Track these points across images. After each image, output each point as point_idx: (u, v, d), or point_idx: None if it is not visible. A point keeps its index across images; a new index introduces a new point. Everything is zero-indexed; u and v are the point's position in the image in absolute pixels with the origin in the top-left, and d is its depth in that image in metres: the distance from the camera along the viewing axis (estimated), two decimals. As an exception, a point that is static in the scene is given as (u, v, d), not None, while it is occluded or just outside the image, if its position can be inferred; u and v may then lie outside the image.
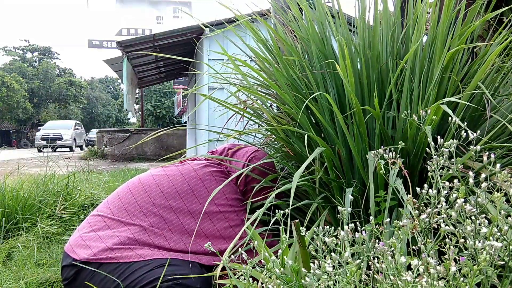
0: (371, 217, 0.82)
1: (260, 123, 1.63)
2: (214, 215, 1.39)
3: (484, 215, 0.68)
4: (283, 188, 1.14)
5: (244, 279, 0.83)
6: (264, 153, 1.61)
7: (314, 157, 1.24)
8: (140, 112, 14.98)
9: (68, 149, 20.30)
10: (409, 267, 0.66)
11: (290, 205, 0.93)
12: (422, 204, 0.74)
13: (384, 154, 0.91)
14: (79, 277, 1.29)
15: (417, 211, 0.72)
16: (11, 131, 37.13)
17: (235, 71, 1.61)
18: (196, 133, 9.01)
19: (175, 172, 1.46)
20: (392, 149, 0.93)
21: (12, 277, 1.74)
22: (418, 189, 0.76)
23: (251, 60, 1.65)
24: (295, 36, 1.55)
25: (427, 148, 1.09)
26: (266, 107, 1.60)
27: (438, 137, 0.82)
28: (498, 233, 0.65)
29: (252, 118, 1.65)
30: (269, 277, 0.81)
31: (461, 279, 0.61)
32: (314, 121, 1.42)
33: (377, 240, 0.71)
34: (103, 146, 10.92)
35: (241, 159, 1.56)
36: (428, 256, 0.64)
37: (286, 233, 0.92)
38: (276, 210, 0.93)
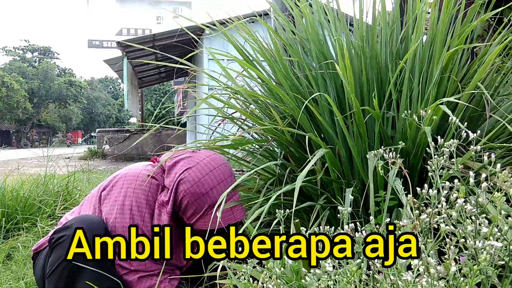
0: (371, 217, 0.82)
1: (254, 125, 1.52)
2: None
3: (484, 215, 0.68)
4: (284, 190, 1.14)
5: (244, 279, 0.83)
6: (203, 169, 1.27)
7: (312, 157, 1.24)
8: (140, 112, 15.00)
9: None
10: (409, 267, 0.66)
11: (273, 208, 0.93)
12: (422, 204, 0.74)
13: (384, 154, 0.91)
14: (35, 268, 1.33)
15: (417, 211, 0.72)
16: (11, 131, 37.16)
17: (234, 72, 1.61)
18: (196, 134, 9.01)
19: (118, 173, 1.35)
20: (392, 149, 0.93)
21: (12, 277, 1.74)
22: (418, 189, 0.76)
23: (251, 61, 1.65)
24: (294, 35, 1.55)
25: (427, 148, 1.10)
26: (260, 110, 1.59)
27: (438, 137, 0.82)
28: (498, 233, 0.65)
29: (246, 122, 1.61)
30: (269, 277, 0.81)
31: (461, 279, 0.61)
32: (313, 122, 1.42)
33: (377, 240, 0.71)
34: (103, 146, 10.92)
35: (171, 180, 1.28)
36: (428, 256, 0.64)
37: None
38: (277, 210, 0.93)
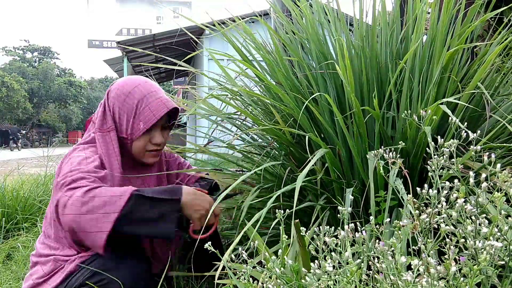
0: (371, 217, 0.82)
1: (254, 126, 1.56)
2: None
3: (484, 215, 0.68)
4: (284, 190, 1.14)
5: (244, 279, 0.83)
6: (125, 79, 1.28)
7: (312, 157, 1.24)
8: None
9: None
10: (409, 267, 0.66)
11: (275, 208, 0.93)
12: (422, 204, 0.74)
13: (384, 154, 0.91)
14: None
15: (417, 211, 0.72)
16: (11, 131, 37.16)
17: (235, 72, 1.61)
18: (196, 133, 9.00)
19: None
20: (392, 149, 0.93)
21: (12, 277, 1.74)
22: (418, 189, 0.76)
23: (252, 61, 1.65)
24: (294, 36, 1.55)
25: (427, 148, 1.09)
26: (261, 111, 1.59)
27: (438, 137, 0.82)
28: (498, 233, 0.65)
29: (246, 123, 1.61)
30: (269, 277, 0.81)
31: (461, 279, 0.61)
32: (313, 122, 1.42)
33: (377, 240, 0.71)
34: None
35: (100, 105, 1.28)
36: (428, 256, 0.64)
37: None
38: (277, 210, 0.93)
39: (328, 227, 0.81)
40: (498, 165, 0.70)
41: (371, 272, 0.71)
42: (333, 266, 0.71)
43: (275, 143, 1.49)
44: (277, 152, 1.55)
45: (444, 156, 0.76)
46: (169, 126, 1.31)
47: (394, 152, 0.91)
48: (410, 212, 0.75)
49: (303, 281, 0.74)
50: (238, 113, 1.66)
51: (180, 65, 1.60)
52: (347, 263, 0.72)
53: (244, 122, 1.65)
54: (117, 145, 1.23)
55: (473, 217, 0.66)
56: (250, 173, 1.25)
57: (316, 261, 0.73)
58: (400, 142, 0.99)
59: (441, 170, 0.77)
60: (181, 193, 1.12)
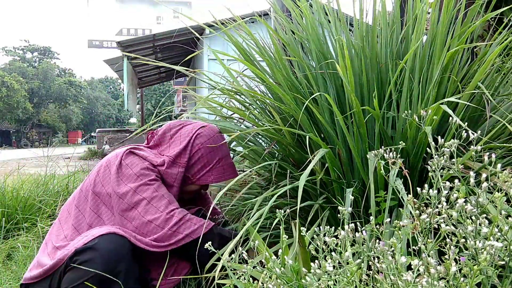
0: (371, 217, 0.82)
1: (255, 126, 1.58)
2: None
3: (484, 215, 0.68)
4: (285, 189, 1.14)
5: (244, 279, 0.83)
6: (214, 129, 1.47)
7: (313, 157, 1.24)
8: (140, 112, 14.99)
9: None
10: (409, 267, 0.66)
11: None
12: (423, 204, 0.74)
13: (384, 154, 0.91)
14: None
15: (417, 211, 0.72)
16: (11, 131, 37.17)
17: (235, 72, 1.61)
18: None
19: (99, 163, 1.40)
20: (392, 149, 0.93)
21: (12, 277, 1.74)
22: (418, 189, 0.76)
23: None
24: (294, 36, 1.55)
25: (427, 148, 1.10)
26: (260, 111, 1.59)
27: (439, 137, 0.82)
28: (499, 233, 0.65)
29: (246, 123, 1.62)
30: (269, 277, 0.81)
31: (462, 279, 0.61)
32: (313, 122, 1.42)
33: (377, 240, 0.72)
34: (103, 146, 10.91)
35: (184, 139, 1.42)
36: (429, 256, 0.64)
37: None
38: (277, 210, 0.93)
39: (328, 227, 0.81)
40: (499, 165, 0.70)
41: (371, 272, 0.71)
42: (333, 266, 0.71)
43: (275, 144, 1.49)
44: (276, 153, 1.55)
45: (445, 156, 0.76)
46: None
47: (394, 152, 0.91)
48: (410, 212, 0.75)
49: (303, 281, 0.74)
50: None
51: (179, 67, 1.60)
52: (347, 263, 0.72)
53: (244, 122, 1.65)
54: (180, 180, 1.40)
55: (473, 217, 0.66)
56: (248, 171, 1.25)
57: (316, 261, 0.73)
58: (400, 142, 0.99)
59: (441, 170, 0.77)
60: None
